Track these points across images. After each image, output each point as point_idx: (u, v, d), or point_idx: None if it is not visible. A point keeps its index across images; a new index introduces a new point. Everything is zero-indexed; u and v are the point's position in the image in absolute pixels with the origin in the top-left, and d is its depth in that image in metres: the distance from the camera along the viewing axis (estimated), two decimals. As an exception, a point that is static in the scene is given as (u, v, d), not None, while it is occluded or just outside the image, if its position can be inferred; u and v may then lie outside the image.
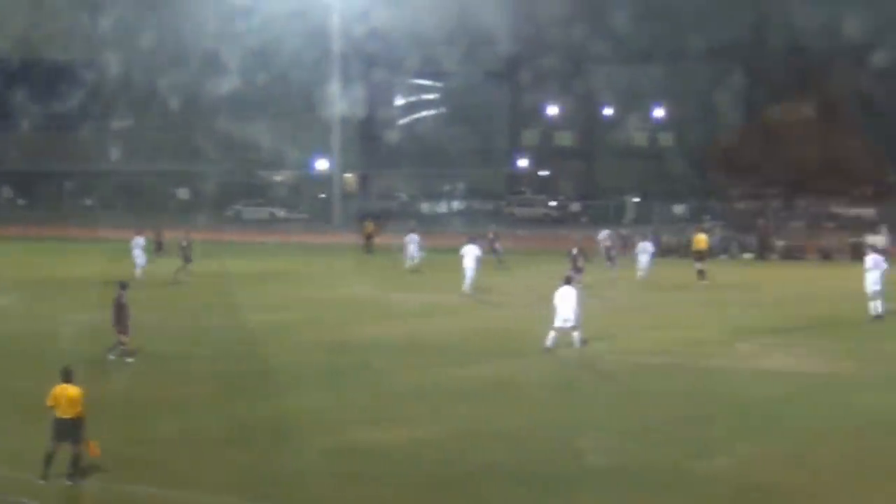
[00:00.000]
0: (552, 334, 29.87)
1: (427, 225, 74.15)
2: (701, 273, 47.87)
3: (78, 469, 18.84)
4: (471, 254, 43.95)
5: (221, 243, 67.79)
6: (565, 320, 29.69)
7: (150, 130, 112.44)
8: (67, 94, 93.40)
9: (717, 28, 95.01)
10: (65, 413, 18.84)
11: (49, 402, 19.01)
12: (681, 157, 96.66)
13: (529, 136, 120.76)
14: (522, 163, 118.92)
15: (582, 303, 30.54)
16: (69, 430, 18.76)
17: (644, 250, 50.14)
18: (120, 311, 28.72)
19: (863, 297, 36.41)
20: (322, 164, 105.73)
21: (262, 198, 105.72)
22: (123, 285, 29.48)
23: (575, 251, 44.91)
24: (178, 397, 25.20)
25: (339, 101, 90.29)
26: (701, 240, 50.30)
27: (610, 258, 51.29)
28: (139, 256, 48.28)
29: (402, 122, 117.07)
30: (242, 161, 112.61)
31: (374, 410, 24.08)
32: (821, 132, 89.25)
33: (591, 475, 19.67)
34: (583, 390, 26.38)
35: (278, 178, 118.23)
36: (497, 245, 54.99)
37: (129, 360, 28.69)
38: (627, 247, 55.52)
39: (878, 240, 59.30)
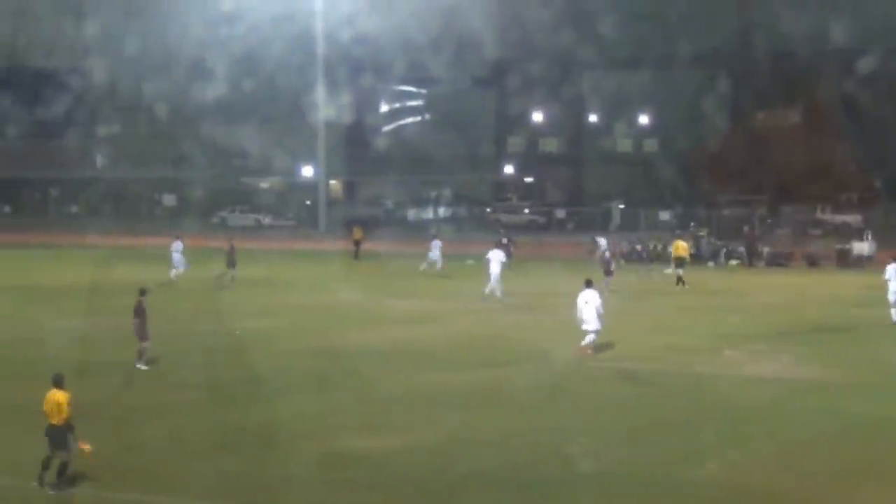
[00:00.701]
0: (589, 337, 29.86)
1: (413, 231, 73.81)
2: (680, 279, 48.21)
3: (64, 477, 18.81)
4: (496, 259, 43.79)
5: (208, 249, 67.50)
6: (587, 323, 29.67)
7: (135, 137, 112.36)
8: (53, 100, 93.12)
9: (703, 34, 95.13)
10: (53, 419, 18.85)
11: (45, 408, 19.00)
12: (667, 163, 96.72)
13: (515, 143, 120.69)
14: (508, 169, 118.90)
15: (605, 306, 30.40)
16: (59, 436, 18.72)
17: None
18: (140, 317, 28.68)
19: (848, 303, 36.83)
20: (308, 171, 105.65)
21: (248, 204, 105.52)
22: (143, 291, 29.43)
23: (608, 255, 45.73)
24: (168, 403, 25.16)
25: (325, 108, 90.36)
26: (680, 246, 50.67)
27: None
28: (178, 261, 49.07)
29: (387, 128, 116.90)
30: (228, 167, 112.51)
31: (364, 417, 24.10)
32: (807, 138, 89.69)
33: (580, 481, 19.72)
34: (571, 396, 26.38)
35: (264, 184, 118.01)
36: (511, 250, 54.97)
37: (143, 367, 28.61)
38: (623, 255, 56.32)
39: (864, 247, 59.68)
